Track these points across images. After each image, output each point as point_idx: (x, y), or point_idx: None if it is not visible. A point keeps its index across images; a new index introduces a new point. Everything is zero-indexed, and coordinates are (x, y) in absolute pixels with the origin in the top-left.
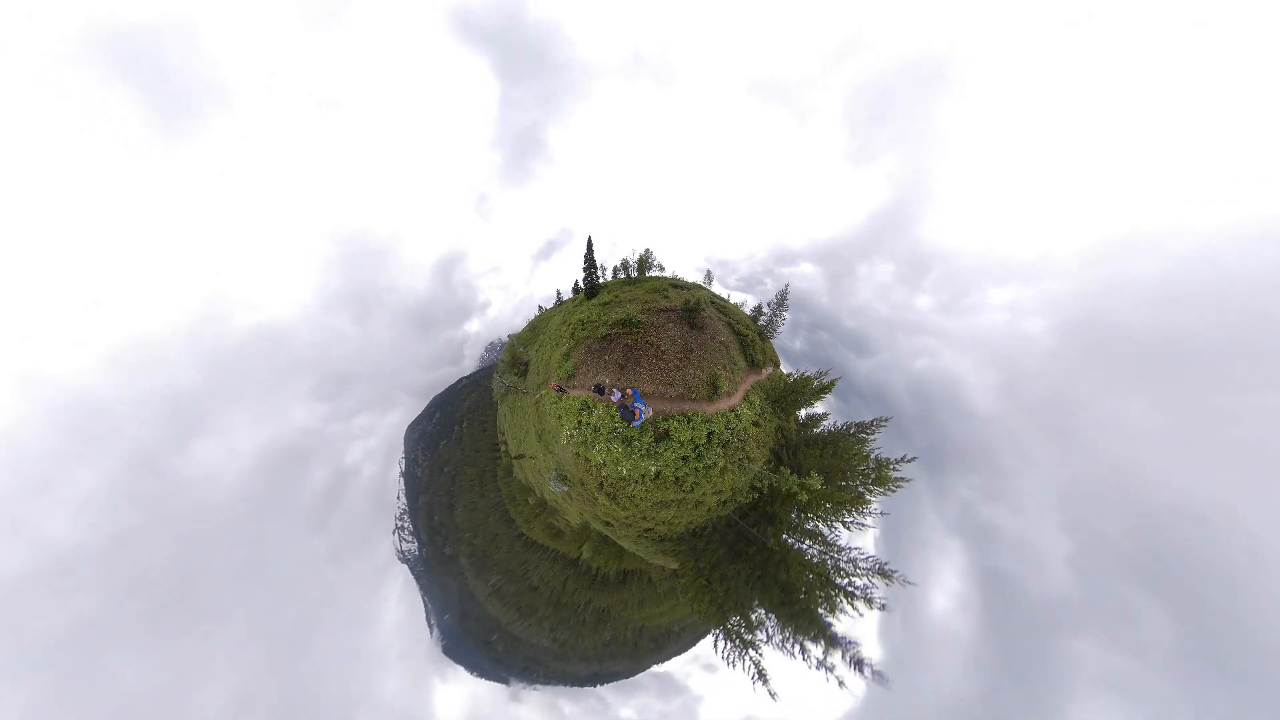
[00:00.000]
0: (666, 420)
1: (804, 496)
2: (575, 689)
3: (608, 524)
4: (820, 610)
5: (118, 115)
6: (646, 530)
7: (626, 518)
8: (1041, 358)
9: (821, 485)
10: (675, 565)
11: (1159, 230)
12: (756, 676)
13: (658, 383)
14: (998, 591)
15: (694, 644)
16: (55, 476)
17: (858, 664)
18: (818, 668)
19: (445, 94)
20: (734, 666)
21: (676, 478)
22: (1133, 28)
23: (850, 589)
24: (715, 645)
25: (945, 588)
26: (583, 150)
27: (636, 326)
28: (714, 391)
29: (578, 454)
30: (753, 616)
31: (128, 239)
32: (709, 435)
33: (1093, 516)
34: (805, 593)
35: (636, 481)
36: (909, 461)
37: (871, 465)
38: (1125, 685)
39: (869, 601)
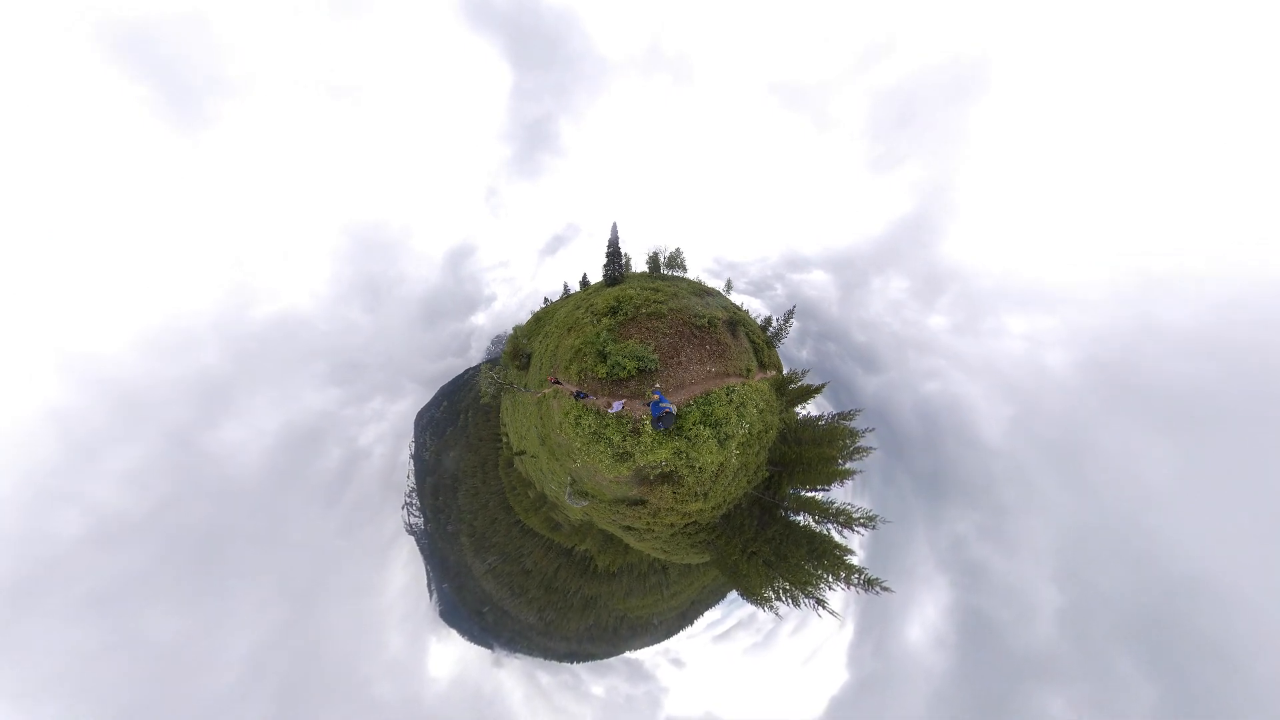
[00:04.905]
0: (745, 384)
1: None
2: (553, 663)
3: (629, 529)
4: (837, 550)
5: (141, 112)
6: (689, 524)
7: (710, 508)
8: (1059, 394)
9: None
10: (705, 558)
11: (1196, 273)
12: (817, 606)
13: (731, 362)
14: (977, 633)
15: (668, 636)
16: (103, 449)
17: (869, 584)
18: (847, 587)
19: (456, 81)
20: (797, 606)
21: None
22: (1201, 36)
23: (852, 521)
24: (784, 597)
25: (924, 620)
26: (594, 144)
27: (713, 326)
28: (748, 374)
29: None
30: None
31: (158, 227)
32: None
33: (1090, 571)
34: (824, 539)
35: (738, 451)
36: (858, 414)
37: (848, 435)
38: None
39: (867, 525)
